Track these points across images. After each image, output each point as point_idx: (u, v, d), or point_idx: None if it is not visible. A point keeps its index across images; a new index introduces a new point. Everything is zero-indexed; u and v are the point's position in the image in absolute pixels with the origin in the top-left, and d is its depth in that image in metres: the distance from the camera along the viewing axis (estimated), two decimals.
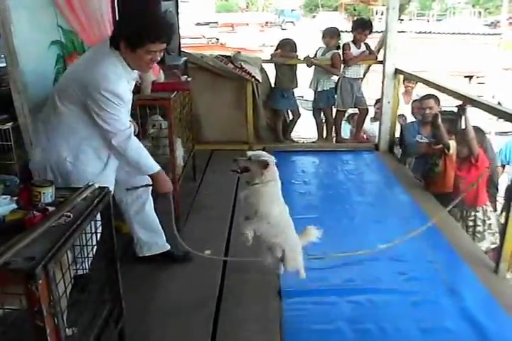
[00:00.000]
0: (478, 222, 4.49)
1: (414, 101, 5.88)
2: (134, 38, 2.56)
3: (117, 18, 3.10)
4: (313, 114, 6.41)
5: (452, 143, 4.48)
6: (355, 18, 7.01)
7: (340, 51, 5.91)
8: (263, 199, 2.70)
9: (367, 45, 5.97)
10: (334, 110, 6.25)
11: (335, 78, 6.06)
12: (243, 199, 2.80)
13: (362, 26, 5.90)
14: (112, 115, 2.58)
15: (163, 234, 3.31)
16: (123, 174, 2.94)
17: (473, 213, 4.48)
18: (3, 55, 3.11)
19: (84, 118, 2.62)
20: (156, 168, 2.81)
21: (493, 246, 4.41)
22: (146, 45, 2.57)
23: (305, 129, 7.69)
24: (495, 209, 4.74)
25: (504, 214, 4.50)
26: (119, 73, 2.62)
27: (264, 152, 2.86)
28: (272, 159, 2.76)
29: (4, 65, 3.18)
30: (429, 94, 5.27)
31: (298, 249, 2.91)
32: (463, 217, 4.50)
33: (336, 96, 6.08)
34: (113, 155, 2.76)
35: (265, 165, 2.70)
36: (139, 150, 2.72)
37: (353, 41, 5.95)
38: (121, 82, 2.61)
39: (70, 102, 2.61)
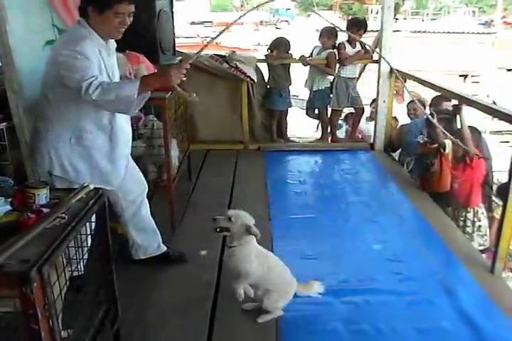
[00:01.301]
0: (468, 223, 4.51)
1: (410, 102, 5.87)
2: (100, 0, 2.55)
3: None
4: (307, 113, 6.40)
5: (448, 143, 4.48)
6: (350, 18, 7.00)
7: (336, 50, 5.91)
8: (241, 261, 2.67)
9: (362, 44, 5.96)
10: (329, 110, 6.25)
11: (330, 77, 6.05)
12: (225, 261, 2.81)
13: (356, 26, 5.89)
14: (80, 72, 2.48)
15: (159, 236, 3.30)
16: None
17: (464, 213, 4.50)
18: None
19: (74, 98, 2.57)
20: (135, 86, 2.53)
21: (481, 247, 4.44)
22: (114, 5, 2.54)
23: (300, 129, 7.69)
24: (490, 209, 4.74)
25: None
26: (82, 36, 2.57)
27: (244, 213, 2.71)
28: (252, 221, 2.68)
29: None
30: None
31: (285, 294, 2.82)
32: (455, 216, 4.52)
33: (331, 95, 6.07)
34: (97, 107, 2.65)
35: (248, 231, 2.63)
36: (106, 88, 2.49)
37: (348, 40, 5.94)
38: (83, 42, 2.54)
39: (55, 86, 2.59)
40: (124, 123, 2.89)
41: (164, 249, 3.32)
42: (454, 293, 3.07)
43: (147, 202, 3.22)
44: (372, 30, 6.34)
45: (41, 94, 2.69)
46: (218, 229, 2.66)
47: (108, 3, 2.54)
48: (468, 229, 4.49)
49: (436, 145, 4.65)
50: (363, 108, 6.27)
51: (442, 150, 4.53)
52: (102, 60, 2.65)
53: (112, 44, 2.82)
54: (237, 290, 2.72)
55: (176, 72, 2.66)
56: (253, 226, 2.64)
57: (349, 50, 5.89)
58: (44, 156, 2.70)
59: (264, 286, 2.76)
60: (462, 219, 4.49)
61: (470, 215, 4.47)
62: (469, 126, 4.42)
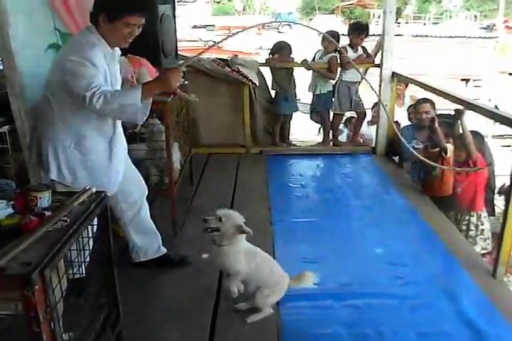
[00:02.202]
0: (472, 227, 4.51)
1: (410, 106, 5.88)
2: (113, 10, 2.56)
3: None
4: (311, 117, 6.41)
5: (449, 147, 4.48)
6: (352, 22, 7.01)
7: (338, 54, 5.91)
8: (229, 259, 2.69)
9: (364, 48, 5.97)
10: (331, 113, 6.26)
11: (333, 81, 6.06)
12: (213, 259, 2.80)
13: (358, 30, 5.90)
14: (86, 79, 2.47)
15: (159, 238, 3.30)
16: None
17: (467, 217, 4.49)
18: (0, 58, 3.10)
19: (75, 103, 2.57)
20: (138, 94, 2.53)
21: (484, 251, 4.44)
22: (125, 17, 2.55)
23: (302, 132, 7.69)
24: (493, 213, 4.74)
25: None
26: (91, 43, 2.58)
27: (234, 212, 2.72)
28: (242, 220, 2.68)
29: (1, 67, 3.17)
30: (425, 99, 5.28)
31: (278, 290, 2.83)
32: (457, 220, 4.51)
33: (333, 99, 6.08)
34: (100, 117, 2.68)
35: (240, 230, 2.64)
36: (111, 97, 2.48)
37: (349, 45, 5.95)
38: (92, 50, 2.55)
39: (58, 91, 2.59)
40: (121, 129, 2.92)
41: (164, 250, 3.32)
42: (455, 297, 3.06)
43: (147, 204, 3.22)
44: (374, 35, 6.34)
45: (43, 97, 2.69)
46: (209, 230, 2.65)
47: (120, 13, 2.56)
48: (472, 233, 4.49)
49: (437, 149, 4.65)
50: (365, 112, 6.28)
51: (444, 154, 4.53)
52: (108, 68, 2.66)
53: (117, 51, 2.84)
54: (230, 289, 2.73)
55: (174, 75, 2.64)
56: (244, 225, 2.64)
57: (350, 54, 5.90)
58: (42, 159, 2.70)
59: (254, 283, 2.77)
60: (465, 223, 4.48)
61: (473, 219, 4.47)
62: (472, 131, 4.42)
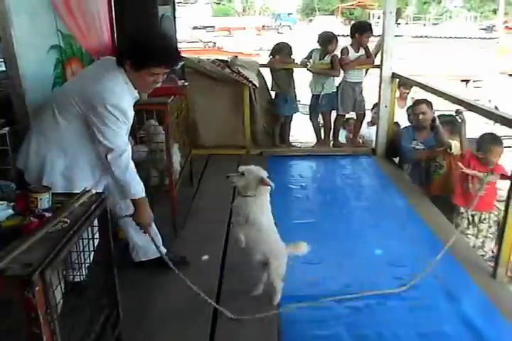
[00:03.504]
0: (470, 226, 4.51)
1: (409, 107, 5.88)
2: (138, 59, 2.57)
3: (123, 34, 3.02)
4: (311, 118, 6.40)
5: (454, 143, 4.51)
6: (354, 22, 6.99)
7: (338, 54, 5.92)
8: (253, 209, 2.76)
9: (367, 48, 5.97)
10: (333, 114, 6.26)
11: (337, 82, 6.06)
12: (235, 208, 2.87)
13: (361, 29, 5.90)
14: (113, 131, 2.56)
15: (159, 237, 3.30)
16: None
17: (469, 213, 4.50)
18: (1, 59, 3.10)
19: (84, 132, 2.62)
20: (142, 193, 2.74)
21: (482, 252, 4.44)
22: (150, 67, 2.58)
23: (302, 133, 7.69)
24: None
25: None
26: (124, 89, 2.62)
27: (256, 167, 2.83)
28: (265, 174, 2.79)
29: (3, 69, 3.17)
30: (421, 99, 5.29)
31: (283, 258, 2.92)
32: (459, 213, 4.53)
33: (337, 100, 6.09)
34: (105, 170, 2.72)
35: (262, 181, 2.74)
36: (131, 170, 2.67)
37: (351, 45, 5.95)
38: (125, 98, 2.61)
39: (71, 115, 2.60)
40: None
41: (164, 250, 3.32)
42: (455, 298, 3.07)
43: None
44: (374, 35, 6.33)
45: (50, 112, 2.66)
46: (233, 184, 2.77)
47: (145, 64, 2.58)
48: (469, 232, 4.51)
49: (443, 147, 4.68)
50: (364, 113, 6.28)
51: (448, 150, 4.55)
52: (132, 110, 2.71)
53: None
54: (238, 236, 2.80)
55: (144, 223, 2.85)
56: (265, 178, 2.74)
57: (352, 54, 5.90)
58: (34, 170, 2.69)
59: (262, 249, 2.84)
60: (475, 221, 4.51)
61: (476, 218, 4.48)
62: (490, 134, 4.47)
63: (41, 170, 2.65)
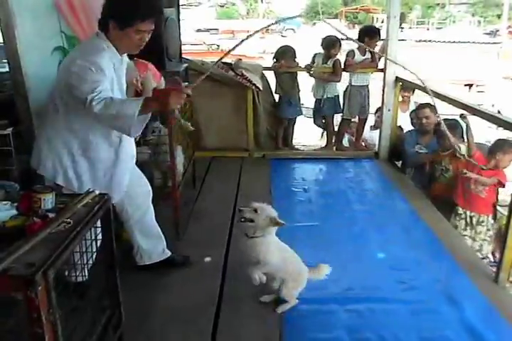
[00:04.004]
0: (468, 227, 4.52)
1: (412, 111, 5.88)
2: (123, 17, 2.57)
3: None
4: (315, 122, 6.41)
5: (462, 147, 4.52)
6: (362, 26, 6.99)
7: (341, 58, 5.92)
8: (262, 250, 2.77)
9: (372, 52, 5.97)
10: (336, 118, 6.26)
11: (339, 86, 6.07)
12: (243, 251, 2.86)
13: (370, 34, 5.90)
14: (90, 83, 2.46)
15: (164, 241, 3.30)
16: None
17: (468, 214, 4.50)
18: (4, 60, 3.12)
19: (81, 108, 2.55)
20: (137, 105, 2.50)
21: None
22: (136, 24, 2.57)
23: (305, 136, 7.70)
24: (494, 218, 4.74)
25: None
26: (99, 49, 2.59)
27: (268, 205, 2.82)
28: (275, 213, 2.79)
29: (6, 69, 3.19)
30: (425, 104, 5.30)
31: (300, 282, 2.95)
32: (457, 213, 4.54)
33: (341, 103, 6.10)
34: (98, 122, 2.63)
35: (276, 222, 2.75)
36: (115, 103, 2.48)
37: (358, 48, 5.96)
38: (99, 54, 2.56)
39: (66, 95, 2.59)
40: (130, 139, 2.91)
41: (169, 253, 3.32)
42: (457, 302, 3.06)
43: (152, 207, 3.22)
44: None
45: (50, 101, 2.69)
46: (243, 220, 2.75)
47: (131, 21, 2.57)
48: (467, 233, 4.52)
49: (449, 151, 4.73)
50: (367, 116, 6.29)
51: (458, 155, 4.56)
52: (114, 74, 2.68)
53: (126, 58, 2.86)
54: (253, 276, 2.81)
55: (176, 97, 2.65)
56: (277, 218, 2.75)
57: (358, 57, 5.91)
58: (48, 164, 2.70)
59: (280, 276, 2.87)
60: (473, 223, 4.51)
61: (474, 220, 4.49)
62: (503, 139, 4.50)
63: (57, 159, 2.68)
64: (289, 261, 2.91)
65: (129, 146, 2.90)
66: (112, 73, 2.65)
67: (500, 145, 4.47)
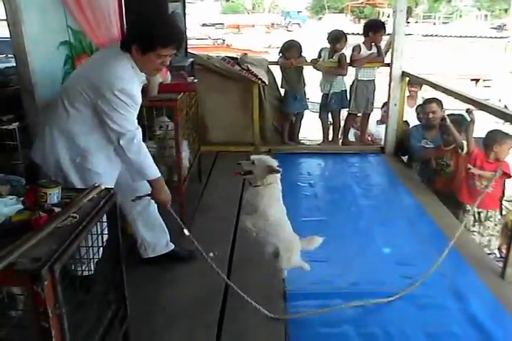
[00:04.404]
0: (476, 223, 4.51)
1: (418, 106, 5.86)
2: (145, 42, 2.58)
3: (129, 20, 3.07)
4: (320, 116, 6.39)
5: (465, 143, 4.50)
6: (367, 20, 6.97)
7: (347, 52, 5.91)
8: (263, 199, 2.82)
9: (378, 46, 5.95)
10: (343, 112, 6.25)
11: (346, 80, 6.05)
12: (245, 199, 2.96)
13: (375, 28, 5.88)
14: (123, 116, 2.58)
15: (167, 233, 3.31)
16: (126, 177, 2.90)
17: (476, 210, 4.48)
18: (11, 55, 3.11)
19: (94, 119, 2.63)
20: (157, 173, 2.80)
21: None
22: (158, 49, 2.59)
23: (311, 131, 7.68)
24: (501, 213, 4.73)
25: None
26: (131, 74, 2.64)
27: (266, 156, 2.93)
28: (275, 163, 2.84)
29: (13, 64, 3.18)
30: (431, 98, 5.28)
31: (294, 250, 2.96)
32: (465, 210, 4.52)
33: (348, 98, 6.08)
34: (118, 155, 2.74)
35: (270, 170, 2.80)
36: (144, 153, 2.71)
37: (364, 43, 5.94)
38: (134, 83, 2.64)
39: (80, 104, 2.61)
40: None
41: (172, 246, 3.33)
42: (463, 297, 3.06)
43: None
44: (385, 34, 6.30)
45: (61, 103, 2.67)
46: (243, 172, 2.83)
47: (153, 46, 2.59)
48: (475, 229, 4.51)
49: (452, 146, 4.71)
50: (372, 111, 6.27)
51: (460, 151, 4.54)
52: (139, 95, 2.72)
53: (143, 75, 2.86)
54: (245, 225, 2.87)
55: (164, 200, 2.89)
56: (274, 165, 2.81)
57: (364, 51, 5.89)
58: (50, 164, 2.71)
59: (272, 242, 2.90)
60: (481, 219, 4.50)
61: (482, 215, 4.47)
62: (496, 130, 4.46)
63: (58, 161, 2.68)
64: (285, 224, 2.94)
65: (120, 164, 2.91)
66: (140, 97, 2.71)
67: (493, 137, 4.43)
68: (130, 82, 2.60)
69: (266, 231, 2.87)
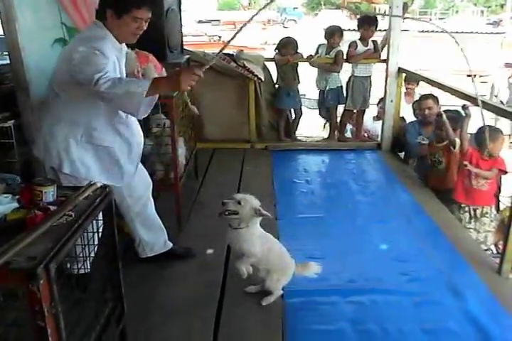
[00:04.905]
0: (472, 220, 4.51)
1: (415, 102, 5.86)
2: (119, 5, 2.60)
3: None
4: (320, 114, 6.39)
5: (457, 141, 4.49)
6: (360, 16, 6.96)
7: (344, 48, 5.90)
8: (246, 242, 2.77)
9: (375, 42, 5.95)
10: (339, 109, 6.25)
11: (342, 76, 6.04)
12: (228, 241, 2.90)
13: (367, 22, 5.87)
14: (95, 66, 2.45)
15: (165, 232, 3.30)
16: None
17: (471, 207, 4.48)
18: (6, 52, 3.10)
19: (86, 96, 2.57)
20: (146, 84, 2.44)
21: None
22: (133, 11, 2.59)
23: (308, 128, 7.67)
24: (497, 209, 4.73)
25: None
26: (100, 36, 2.61)
27: (250, 196, 2.79)
28: (259, 203, 2.77)
29: (7, 62, 3.17)
30: (428, 94, 5.27)
31: (285, 275, 2.92)
32: (460, 207, 4.52)
33: (344, 94, 6.08)
34: (107, 104, 2.60)
35: (259, 213, 2.73)
36: (125, 82, 2.49)
37: (360, 39, 5.93)
38: (102, 40, 2.58)
39: (67, 85, 2.59)
40: (136, 123, 2.92)
41: (170, 245, 3.33)
42: (460, 294, 3.06)
43: (152, 199, 3.22)
44: (380, 30, 6.30)
45: (50, 90, 2.69)
46: (227, 213, 2.73)
47: (127, 8, 2.59)
48: (471, 225, 4.51)
49: (444, 143, 4.69)
50: (367, 107, 6.27)
51: (452, 148, 4.53)
52: (117, 61, 2.68)
53: (124, 47, 2.86)
54: (240, 269, 2.80)
55: (187, 76, 2.50)
56: (261, 209, 2.73)
57: (361, 48, 5.88)
58: (53, 153, 2.69)
59: (265, 266, 2.85)
60: (477, 215, 4.50)
61: (478, 212, 4.47)
62: (488, 125, 4.44)
63: (62, 145, 2.67)
64: (274, 252, 2.88)
65: (133, 132, 2.89)
66: (115, 59, 2.64)
67: (485, 134, 4.41)
68: (96, 39, 2.56)
69: (259, 265, 2.85)
